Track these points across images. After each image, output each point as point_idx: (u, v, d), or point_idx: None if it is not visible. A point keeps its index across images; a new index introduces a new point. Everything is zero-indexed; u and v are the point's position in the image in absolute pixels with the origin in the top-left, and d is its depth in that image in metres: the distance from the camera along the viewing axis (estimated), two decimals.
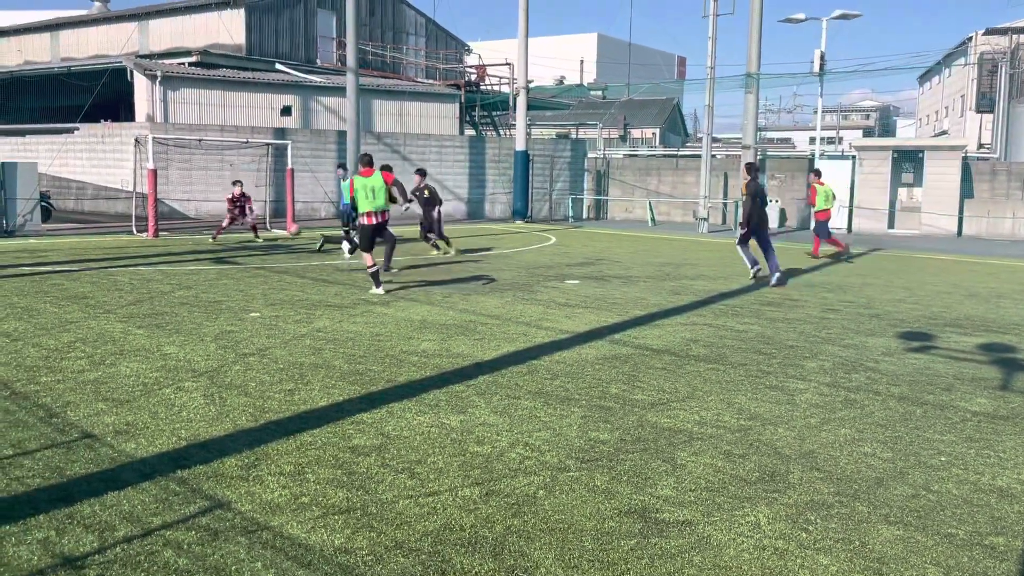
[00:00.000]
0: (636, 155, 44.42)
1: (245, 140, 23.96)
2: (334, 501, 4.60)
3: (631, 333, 9.66)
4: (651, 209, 32.38)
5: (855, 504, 4.76)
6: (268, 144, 24.70)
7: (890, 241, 25.29)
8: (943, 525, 4.51)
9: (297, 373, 7.37)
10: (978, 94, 40.70)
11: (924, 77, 63.19)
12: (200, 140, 23.66)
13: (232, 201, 19.67)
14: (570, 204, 33.48)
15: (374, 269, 12.16)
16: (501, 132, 39.87)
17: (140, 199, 21.74)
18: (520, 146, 30.03)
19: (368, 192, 12.10)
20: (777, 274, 14.12)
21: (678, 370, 7.89)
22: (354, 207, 12.78)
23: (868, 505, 4.75)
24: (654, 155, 44.73)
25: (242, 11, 33.89)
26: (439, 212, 18.28)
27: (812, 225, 19.79)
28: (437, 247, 18.28)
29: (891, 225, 28.43)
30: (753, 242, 14.75)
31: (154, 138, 21.07)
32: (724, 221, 31.86)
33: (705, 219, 28.13)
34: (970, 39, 44.32)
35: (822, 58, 28.74)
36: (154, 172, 20.37)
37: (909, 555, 4.14)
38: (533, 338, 9.20)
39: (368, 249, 12.26)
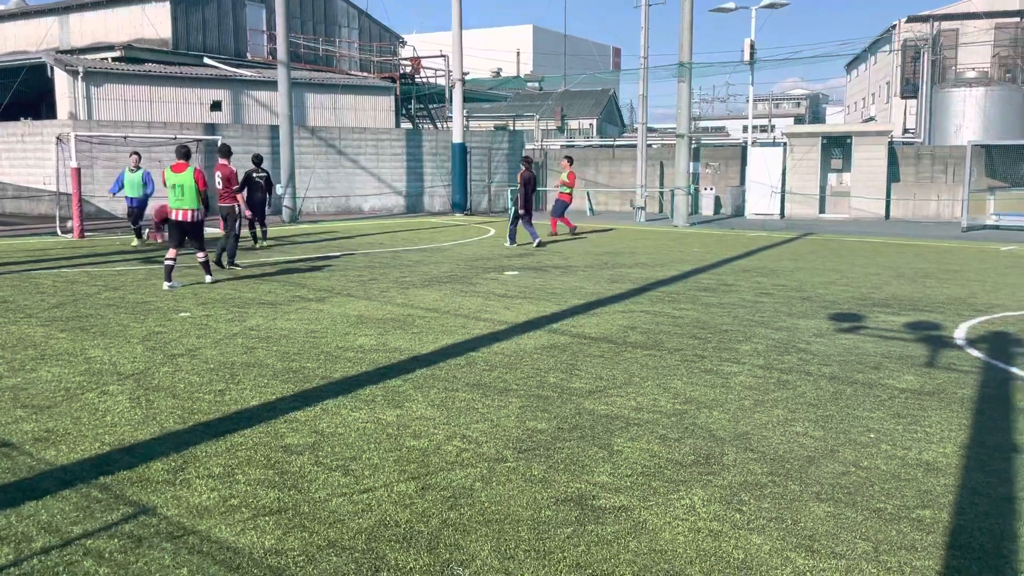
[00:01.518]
0: (573, 146, 44.59)
1: (173, 136, 23.33)
2: (265, 502, 4.49)
3: (569, 322, 9.68)
4: (589, 199, 32.54)
5: (787, 483, 4.83)
6: (197, 140, 24.10)
7: (821, 225, 25.86)
8: (872, 500, 4.60)
9: (228, 373, 7.19)
10: (902, 80, 41.84)
11: (851, 65, 64.72)
12: (125, 137, 22.97)
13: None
14: (509, 196, 33.44)
15: (171, 263, 11.90)
16: (438, 125, 39.64)
17: (64, 199, 21.04)
18: (457, 138, 29.89)
19: (176, 190, 11.77)
20: (538, 239, 18.76)
21: (615, 357, 7.91)
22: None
23: (800, 483, 4.82)
24: (591, 145, 44.95)
25: (167, 4, 32.99)
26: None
27: (553, 206, 21.54)
28: (262, 238, 18.10)
29: (822, 210, 29.07)
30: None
31: (77, 136, 20.38)
32: (661, 210, 32.20)
33: (642, 208, 28.37)
34: (894, 27, 45.51)
35: (752, 47, 29.19)
36: (78, 171, 19.71)
37: (839, 531, 4.21)
38: (472, 330, 9.15)
39: (177, 244, 12.01)
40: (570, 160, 22.12)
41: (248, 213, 17.02)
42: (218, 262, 13.88)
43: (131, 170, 17.98)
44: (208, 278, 12.44)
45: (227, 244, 14.19)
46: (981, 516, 4.40)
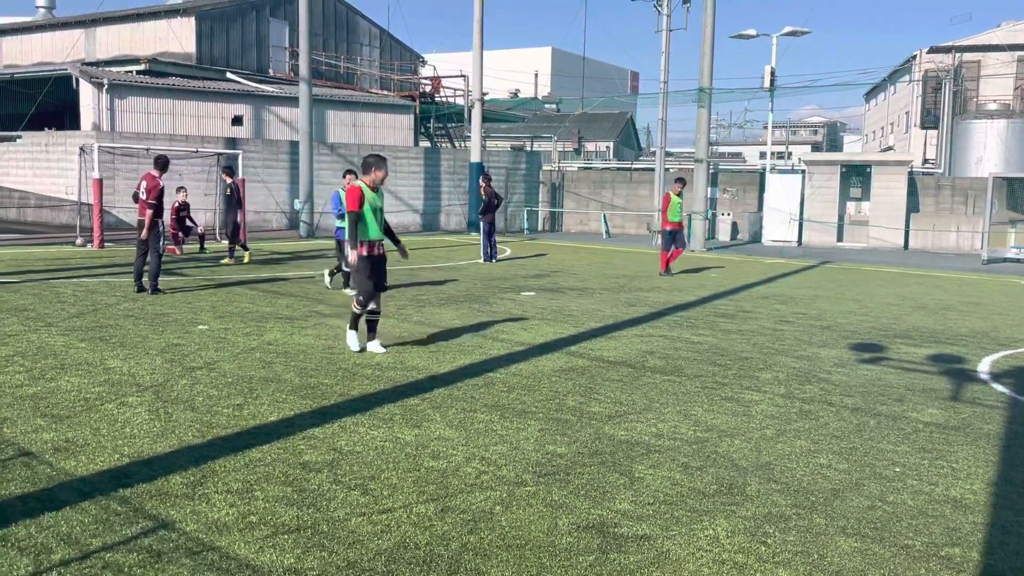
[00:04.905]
0: (590, 168, 44.68)
1: (194, 150, 23.53)
2: (284, 520, 4.45)
3: (587, 345, 9.62)
4: (605, 222, 32.54)
5: (812, 516, 4.75)
6: (218, 154, 24.30)
7: (839, 254, 25.72)
8: (899, 536, 4.51)
9: (246, 387, 7.17)
10: (922, 111, 41.72)
11: (870, 94, 64.66)
12: (148, 149, 23.14)
13: (176, 211, 19.18)
14: (525, 216, 33.49)
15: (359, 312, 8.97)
16: (456, 144, 39.80)
17: (85, 209, 21.20)
18: (475, 158, 29.98)
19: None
20: (495, 259, 19.83)
21: (635, 382, 7.85)
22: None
23: (825, 517, 4.74)
24: (608, 168, 45.02)
25: (192, 19, 33.37)
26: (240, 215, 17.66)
27: (662, 238, 18.37)
28: (232, 254, 17.45)
29: (840, 238, 28.94)
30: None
31: (100, 147, 20.58)
32: None
33: (659, 232, 28.31)
34: (914, 57, 45.47)
35: (772, 74, 29.21)
36: (99, 181, 19.89)
37: (867, 567, 4.13)
38: (489, 350, 9.11)
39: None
40: (681, 181, 18.29)
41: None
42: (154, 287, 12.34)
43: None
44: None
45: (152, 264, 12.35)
46: (1012, 555, 4.31)
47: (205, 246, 19.94)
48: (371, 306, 8.80)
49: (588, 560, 4.10)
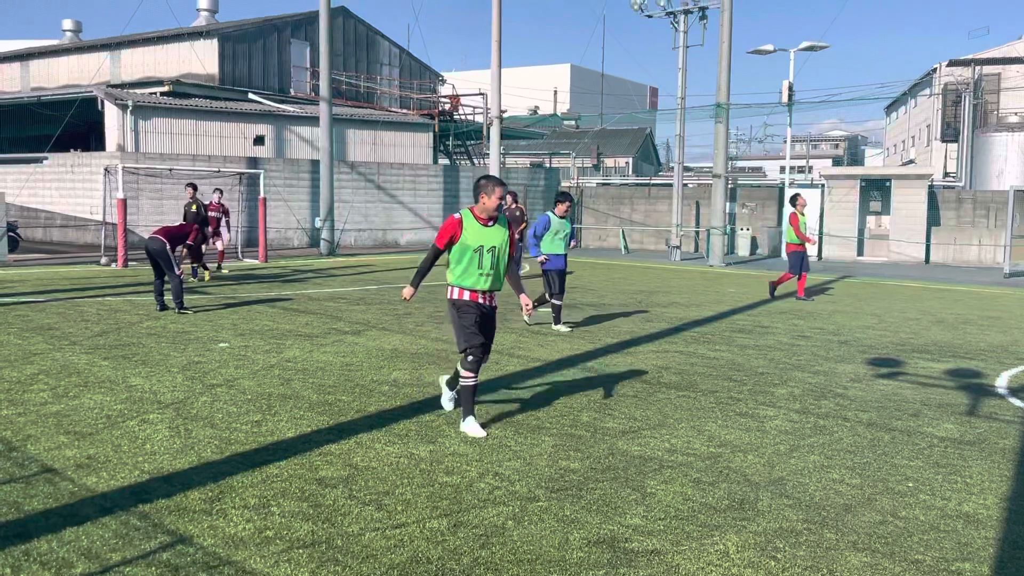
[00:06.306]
0: (609, 184, 44.75)
1: (217, 169, 23.85)
2: (299, 534, 4.53)
3: (603, 360, 9.66)
4: (624, 237, 32.58)
5: (823, 531, 4.77)
6: (240, 173, 24.63)
7: (859, 268, 25.59)
8: (910, 551, 4.52)
9: (265, 404, 7.28)
10: (943, 124, 41.50)
11: (891, 107, 64.38)
12: (171, 170, 23.53)
13: (214, 208, 18.83)
14: None
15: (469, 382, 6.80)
16: (475, 161, 40.04)
17: (110, 229, 21.53)
18: (494, 175, 30.15)
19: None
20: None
21: (649, 397, 7.89)
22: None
23: (836, 532, 4.76)
24: (626, 184, 45.07)
25: (215, 41, 33.90)
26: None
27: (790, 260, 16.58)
28: (200, 272, 17.09)
29: (860, 252, 28.79)
30: None
31: (124, 167, 20.92)
32: (696, 249, 32.10)
33: (677, 247, 28.33)
34: (935, 70, 45.27)
35: (790, 88, 29.21)
36: (123, 202, 20.20)
37: None
38: (505, 366, 9.17)
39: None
40: (799, 196, 16.62)
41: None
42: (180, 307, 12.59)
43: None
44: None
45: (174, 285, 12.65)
46: (1023, 571, 4.31)
47: (222, 265, 20.13)
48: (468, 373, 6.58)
49: (598, 574, 4.15)
